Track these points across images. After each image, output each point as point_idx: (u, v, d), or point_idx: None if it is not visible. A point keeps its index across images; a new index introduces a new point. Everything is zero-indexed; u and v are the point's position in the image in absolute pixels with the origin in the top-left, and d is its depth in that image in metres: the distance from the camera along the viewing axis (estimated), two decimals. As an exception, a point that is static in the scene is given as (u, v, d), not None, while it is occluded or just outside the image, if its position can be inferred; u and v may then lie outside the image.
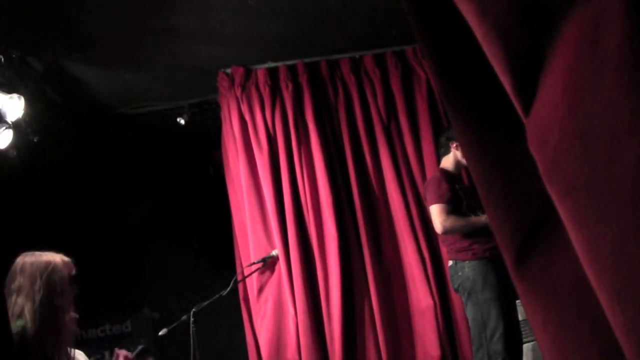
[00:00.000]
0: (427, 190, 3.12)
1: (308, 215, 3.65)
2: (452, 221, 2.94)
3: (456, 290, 3.10)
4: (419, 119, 3.84)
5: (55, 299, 1.92)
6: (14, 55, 3.21)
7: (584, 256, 0.48)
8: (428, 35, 0.72)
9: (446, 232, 2.96)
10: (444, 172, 3.14)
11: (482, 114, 0.68)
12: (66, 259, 2.02)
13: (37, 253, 2.00)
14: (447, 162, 3.21)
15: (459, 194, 3.02)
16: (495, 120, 0.67)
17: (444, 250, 3.57)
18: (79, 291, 2.05)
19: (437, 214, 2.97)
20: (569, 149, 0.48)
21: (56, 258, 1.99)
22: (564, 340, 0.58)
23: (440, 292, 3.52)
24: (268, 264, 3.62)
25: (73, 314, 2.03)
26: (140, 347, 2.39)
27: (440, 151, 3.30)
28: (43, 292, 1.89)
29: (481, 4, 0.53)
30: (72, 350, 2.02)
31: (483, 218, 2.91)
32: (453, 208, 2.97)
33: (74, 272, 2.03)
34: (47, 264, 1.94)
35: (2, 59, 3.11)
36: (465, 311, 3.03)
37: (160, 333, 3.23)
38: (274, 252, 3.60)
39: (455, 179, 3.14)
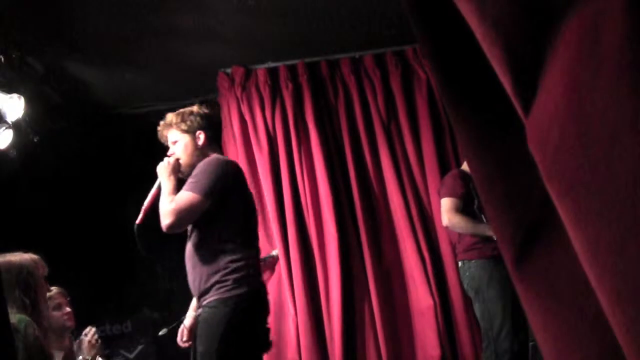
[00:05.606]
0: (443, 185, 3.19)
1: (308, 215, 3.65)
2: (460, 219, 2.99)
3: (465, 291, 3.13)
4: (419, 119, 3.84)
5: (37, 304, 1.88)
6: (14, 55, 3.21)
7: (584, 256, 0.48)
8: (428, 35, 0.72)
9: (451, 225, 3.02)
10: (462, 171, 3.18)
11: (482, 114, 0.68)
12: (35, 257, 1.97)
13: (7, 256, 1.93)
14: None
15: (472, 193, 3.05)
16: (495, 120, 0.67)
17: (445, 250, 3.58)
18: (49, 289, 2.02)
19: (446, 207, 3.03)
20: (569, 149, 0.48)
21: (27, 259, 1.93)
22: (564, 341, 0.58)
23: (440, 292, 3.52)
24: (268, 264, 3.62)
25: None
26: (140, 347, 2.39)
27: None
28: (23, 299, 1.85)
29: (481, 4, 0.53)
30: (72, 341, 2.01)
31: (489, 230, 2.93)
32: (464, 205, 3.02)
33: (46, 271, 1.99)
34: (21, 268, 1.89)
35: (2, 59, 3.11)
36: (474, 310, 3.06)
37: (160, 333, 3.23)
38: (274, 252, 3.60)
39: (472, 180, 3.16)
